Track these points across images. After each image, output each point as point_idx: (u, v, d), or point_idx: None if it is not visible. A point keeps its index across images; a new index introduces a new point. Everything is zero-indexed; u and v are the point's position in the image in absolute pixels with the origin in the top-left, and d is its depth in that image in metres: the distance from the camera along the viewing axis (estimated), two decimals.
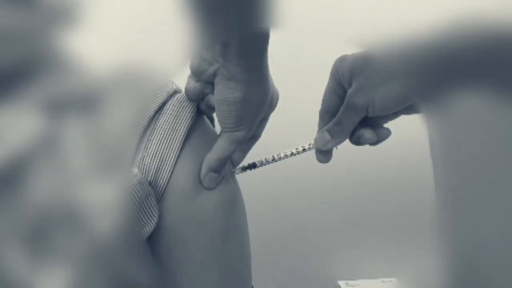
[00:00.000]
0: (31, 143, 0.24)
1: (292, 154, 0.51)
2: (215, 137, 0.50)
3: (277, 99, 0.49)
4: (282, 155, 0.51)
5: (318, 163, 0.51)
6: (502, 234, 0.21)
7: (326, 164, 0.51)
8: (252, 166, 0.51)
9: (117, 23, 0.26)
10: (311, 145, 0.50)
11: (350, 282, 1.26)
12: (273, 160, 0.51)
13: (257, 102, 0.46)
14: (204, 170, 0.47)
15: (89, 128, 0.25)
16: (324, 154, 0.50)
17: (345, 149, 0.51)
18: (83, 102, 0.25)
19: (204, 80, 0.46)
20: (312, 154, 0.51)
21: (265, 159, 0.51)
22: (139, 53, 0.27)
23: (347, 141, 0.49)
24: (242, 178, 0.52)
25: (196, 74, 0.46)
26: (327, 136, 0.48)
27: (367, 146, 0.51)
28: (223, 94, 0.44)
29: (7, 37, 0.24)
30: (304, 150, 0.51)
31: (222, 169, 0.47)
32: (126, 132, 0.26)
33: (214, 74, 0.44)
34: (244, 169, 0.51)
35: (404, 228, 1.21)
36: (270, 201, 1.24)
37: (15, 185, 0.23)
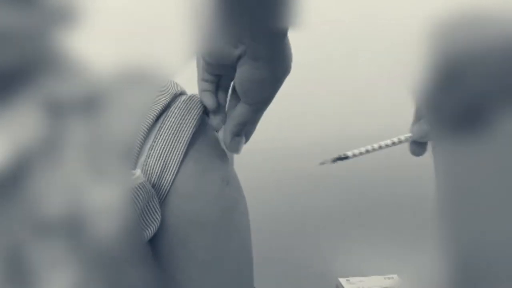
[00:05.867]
0: (32, 144, 0.24)
1: (387, 145, 0.49)
2: (218, 141, 0.50)
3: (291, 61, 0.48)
4: (376, 146, 0.49)
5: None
6: (502, 233, 0.21)
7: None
8: (344, 157, 0.50)
9: (118, 23, 0.26)
10: (408, 136, 0.47)
11: (351, 279, 1.26)
12: (367, 151, 0.49)
13: (281, 76, 0.46)
14: (228, 137, 0.48)
15: (91, 129, 0.25)
16: (420, 146, 0.47)
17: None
18: (85, 102, 0.25)
19: (224, 64, 0.46)
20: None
21: (358, 150, 0.49)
22: (141, 53, 0.27)
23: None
24: (243, 178, 0.52)
25: (218, 58, 0.46)
26: (425, 127, 0.45)
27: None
28: (250, 74, 0.45)
29: (8, 37, 0.23)
30: (400, 141, 0.48)
31: (243, 131, 0.49)
32: (128, 133, 0.26)
33: (239, 56, 0.44)
34: (335, 160, 0.49)
35: (405, 225, 1.21)
36: (270, 199, 1.24)
37: (17, 186, 0.23)
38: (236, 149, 0.49)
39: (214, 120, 0.50)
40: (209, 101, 0.49)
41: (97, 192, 0.24)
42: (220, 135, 0.51)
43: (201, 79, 0.49)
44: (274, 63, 0.45)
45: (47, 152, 0.24)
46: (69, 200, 0.24)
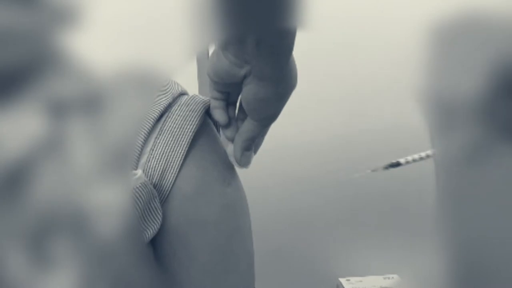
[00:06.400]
0: (35, 144, 0.24)
1: None
2: (219, 141, 0.50)
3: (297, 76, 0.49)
4: (430, 152, 0.49)
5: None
6: (501, 231, 0.21)
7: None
8: (396, 164, 0.50)
9: (119, 23, 0.26)
10: None
11: (351, 279, 1.26)
12: (420, 158, 0.49)
13: (287, 93, 0.47)
14: (238, 152, 0.49)
15: (92, 129, 0.25)
16: None
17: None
18: (86, 103, 0.25)
19: (230, 83, 0.46)
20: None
21: (411, 157, 0.49)
22: (141, 53, 0.27)
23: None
24: (244, 178, 0.52)
25: (224, 77, 0.46)
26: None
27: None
28: (255, 92, 0.45)
29: (10, 37, 0.23)
30: None
31: (253, 145, 0.49)
32: (129, 133, 0.26)
33: (244, 76, 0.45)
34: (387, 167, 0.50)
35: (405, 225, 1.22)
36: (271, 199, 1.24)
37: (20, 186, 0.23)
38: (247, 163, 0.50)
39: (226, 132, 0.50)
40: (221, 118, 0.49)
41: (99, 192, 0.24)
42: (229, 150, 0.51)
43: (211, 97, 0.50)
44: (280, 82, 0.45)
45: (48, 152, 0.24)
46: (71, 200, 0.24)
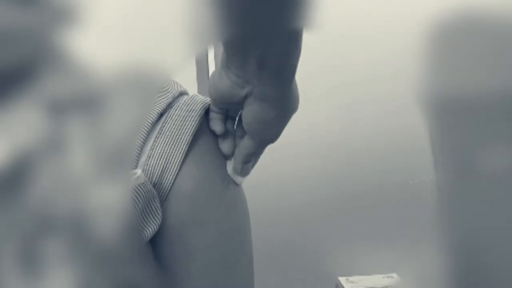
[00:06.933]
0: (34, 143, 0.24)
1: None
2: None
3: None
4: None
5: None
6: (499, 229, 0.21)
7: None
8: None
9: (119, 23, 0.26)
10: None
11: (351, 278, 1.26)
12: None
13: (287, 116, 0.47)
14: (238, 165, 0.49)
15: (92, 129, 0.25)
16: None
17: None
18: (86, 102, 0.25)
19: (232, 103, 0.46)
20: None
21: None
22: (141, 53, 0.27)
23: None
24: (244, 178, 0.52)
25: (226, 97, 0.46)
26: None
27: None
28: (256, 114, 0.45)
29: (11, 36, 0.24)
30: None
31: (252, 159, 0.50)
32: (128, 133, 0.26)
33: (245, 96, 0.44)
34: None
35: (405, 224, 1.22)
36: (271, 199, 1.24)
37: (18, 186, 0.23)
38: (246, 174, 0.51)
39: (223, 147, 0.50)
40: (217, 127, 0.49)
41: (98, 192, 0.24)
42: (228, 168, 0.51)
43: (210, 110, 0.50)
44: (281, 104, 0.45)
45: (48, 152, 0.24)
46: (70, 199, 0.24)
